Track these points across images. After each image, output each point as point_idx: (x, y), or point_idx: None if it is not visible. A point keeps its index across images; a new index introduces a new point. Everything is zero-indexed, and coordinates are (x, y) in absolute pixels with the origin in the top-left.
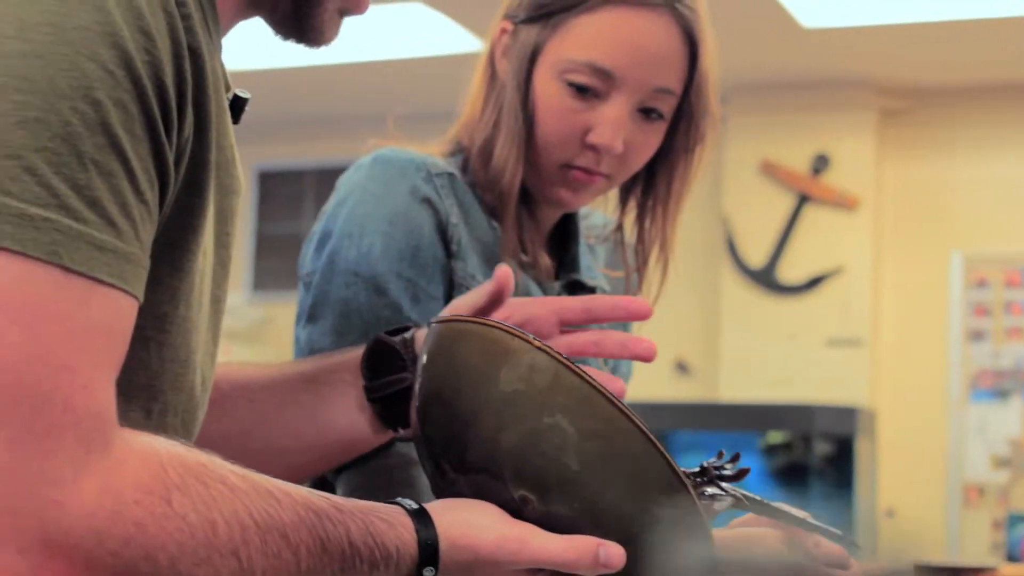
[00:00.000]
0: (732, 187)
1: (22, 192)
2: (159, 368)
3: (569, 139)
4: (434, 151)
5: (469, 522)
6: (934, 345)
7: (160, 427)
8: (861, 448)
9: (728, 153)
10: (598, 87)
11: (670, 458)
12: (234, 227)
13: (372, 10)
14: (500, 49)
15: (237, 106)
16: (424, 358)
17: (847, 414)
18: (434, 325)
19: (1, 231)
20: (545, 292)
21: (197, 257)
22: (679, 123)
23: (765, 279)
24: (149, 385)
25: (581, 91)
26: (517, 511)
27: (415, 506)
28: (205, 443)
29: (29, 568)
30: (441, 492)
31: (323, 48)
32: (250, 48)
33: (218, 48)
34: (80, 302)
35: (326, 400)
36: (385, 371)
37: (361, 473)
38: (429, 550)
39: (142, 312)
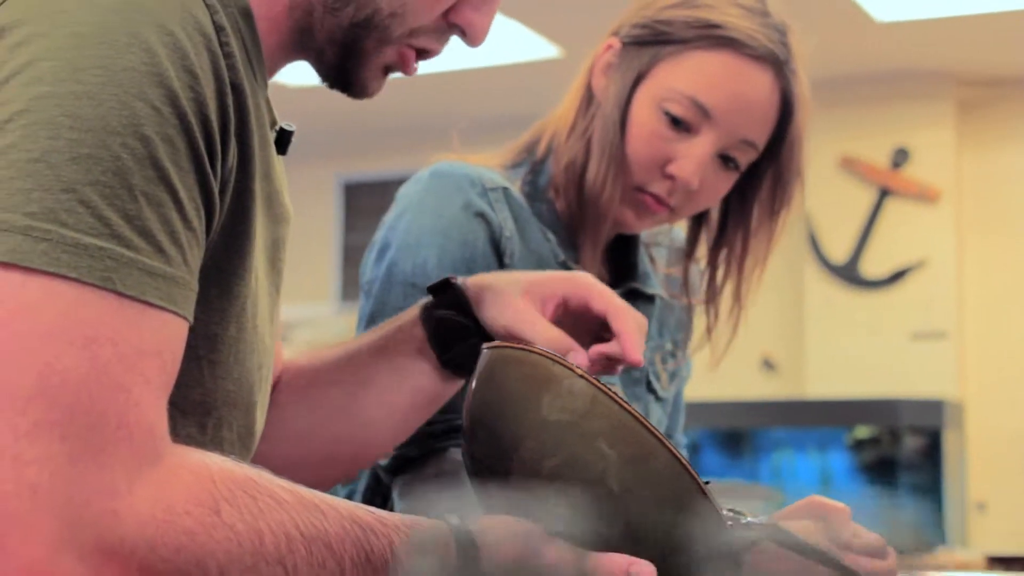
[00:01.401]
0: (812, 183)
1: (77, 223)
2: (212, 386)
3: (651, 164)
4: (495, 162)
5: (507, 536)
6: (1020, 335)
7: (216, 441)
8: (949, 441)
9: (807, 149)
10: (692, 122)
11: (698, 478)
12: (284, 254)
13: None
14: (601, 65)
15: (283, 139)
16: (473, 382)
17: (934, 407)
18: (484, 350)
19: (59, 259)
20: None
21: (245, 280)
22: (762, 185)
23: (848, 274)
24: (203, 401)
25: (675, 122)
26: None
27: (458, 522)
28: (302, 436)
29: (86, 573)
30: (486, 508)
31: None
32: None
33: (263, 85)
34: (132, 325)
35: (404, 368)
36: (450, 339)
37: (417, 477)
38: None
39: (193, 333)
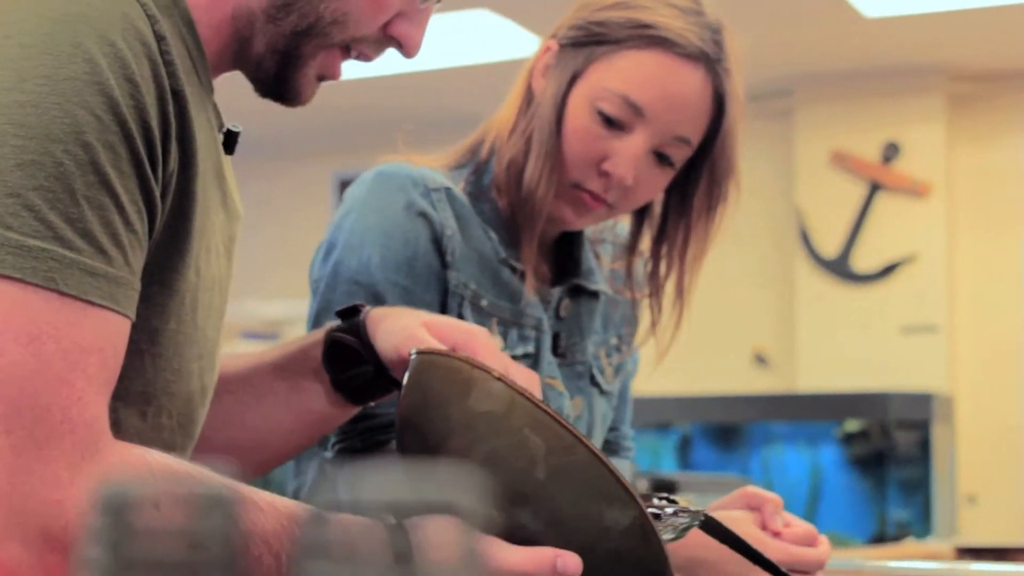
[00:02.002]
0: (804, 178)
1: (21, 226)
2: (153, 376)
3: (586, 162)
4: (440, 163)
5: (438, 531)
6: (1010, 329)
7: (156, 428)
8: (938, 434)
9: (798, 145)
10: (625, 120)
11: (620, 474)
12: (236, 249)
13: (438, 17)
14: (541, 67)
15: (230, 140)
16: (403, 387)
17: (922, 400)
18: (411, 356)
19: (3, 261)
20: (542, 298)
21: (186, 277)
22: (700, 180)
23: (839, 269)
24: (144, 392)
25: (608, 121)
26: None
27: (393, 521)
28: (202, 438)
29: (31, 559)
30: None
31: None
32: None
33: (209, 91)
34: (75, 323)
35: (298, 388)
36: (346, 363)
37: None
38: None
39: (135, 327)
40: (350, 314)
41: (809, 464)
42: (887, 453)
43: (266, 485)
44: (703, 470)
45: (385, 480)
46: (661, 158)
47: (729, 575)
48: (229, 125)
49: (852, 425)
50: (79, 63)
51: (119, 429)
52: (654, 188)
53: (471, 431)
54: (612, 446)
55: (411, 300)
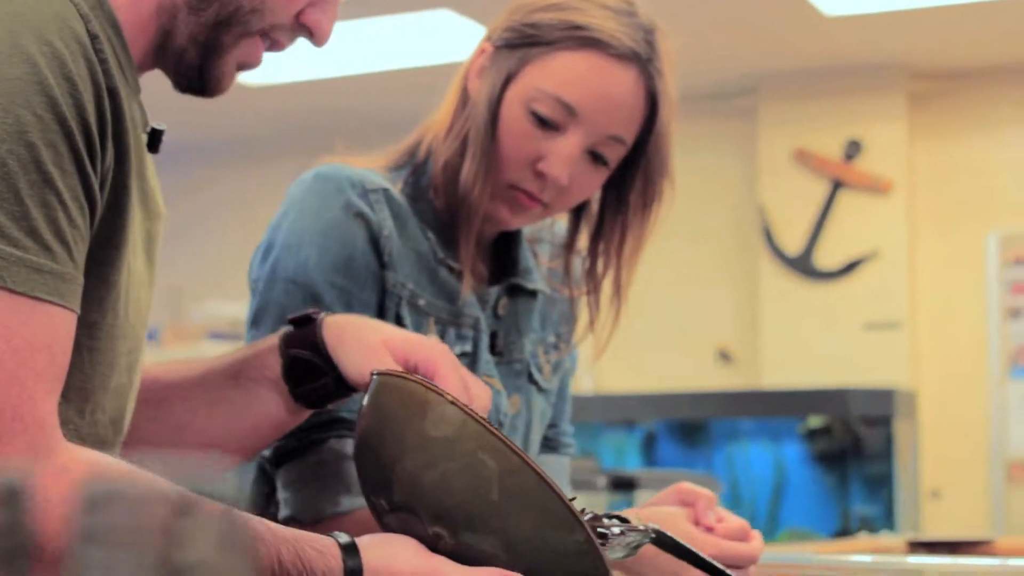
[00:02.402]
0: (766, 176)
1: None
2: (91, 371)
3: (521, 163)
4: (379, 163)
5: (390, 554)
6: (973, 325)
7: (92, 424)
8: (900, 430)
9: (761, 143)
10: (559, 121)
11: (565, 499)
12: (157, 248)
13: (401, 17)
14: (476, 69)
15: (154, 138)
16: (362, 406)
17: (885, 396)
18: (372, 376)
19: None
20: (480, 298)
21: (121, 271)
22: (635, 179)
23: (802, 266)
24: (83, 387)
25: (542, 121)
26: (433, 547)
27: (346, 539)
28: (143, 441)
29: None
30: (378, 524)
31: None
32: (294, 62)
33: (135, 89)
34: (23, 320)
35: (252, 395)
36: (304, 374)
37: (298, 467)
38: None
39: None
40: (303, 322)
41: (773, 460)
42: (850, 449)
43: None
44: (668, 467)
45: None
46: (596, 158)
47: (665, 571)
48: (153, 124)
49: (815, 421)
50: (19, 64)
51: (61, 426)
52: (589, 187)
53: (424, 452)
54: (552, 443)
55: (349, 300)
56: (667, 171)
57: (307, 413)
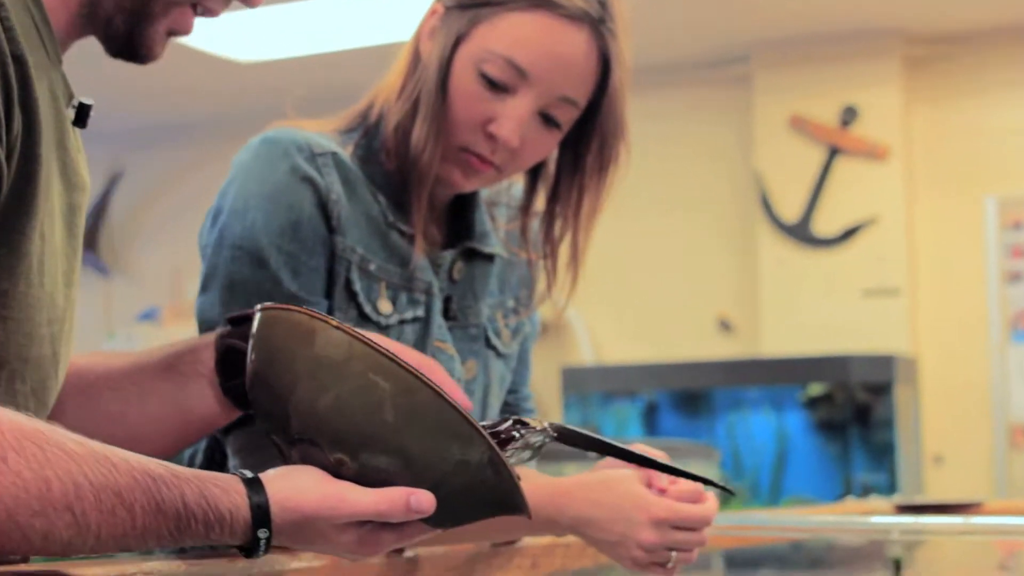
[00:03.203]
0: (763, 143)
1: None
2: (4, 339)
3: (472, 125)
4: (330, 127)
5: (294, 486)
6: (972, 289)
7: (9, 393)
8: (901, 397)
9: (756, 110)
10: (509, 83)
11: (464, 411)
12: (82, 219)
13: None
14: (427, 30)
15: (82, 113)
16: (250, 345)
17: (885, 363)
18: (256, 313)
19: None
20: (433, 262)
21: (32, 240)
22: (591, 141)
23: (800, 233)
24: None
25: (492, 83)
26: (336, 473)
27: (250, 475)
28: (74, 430)
29: None
30: (283, 463)
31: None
32: (288, 37)
33: (56, 61)
34: None
35: (184, 388)
36: (237, 369)
37: (246, 433)
38: (260, 512)
39: None
40: (242, 320)
41: (774, 428)
42: (851, 416)
43: None
44: (669, 436)
45: None
46: (547, 119)
47: (616, 532)
48: (81, 98)
49: (816, 389)
50: None
51: None
52: (541, 150)
53: (315, 379)
54: (512, 408)
55: (296, 265)
56: (623, 133)
57: (238, 413)
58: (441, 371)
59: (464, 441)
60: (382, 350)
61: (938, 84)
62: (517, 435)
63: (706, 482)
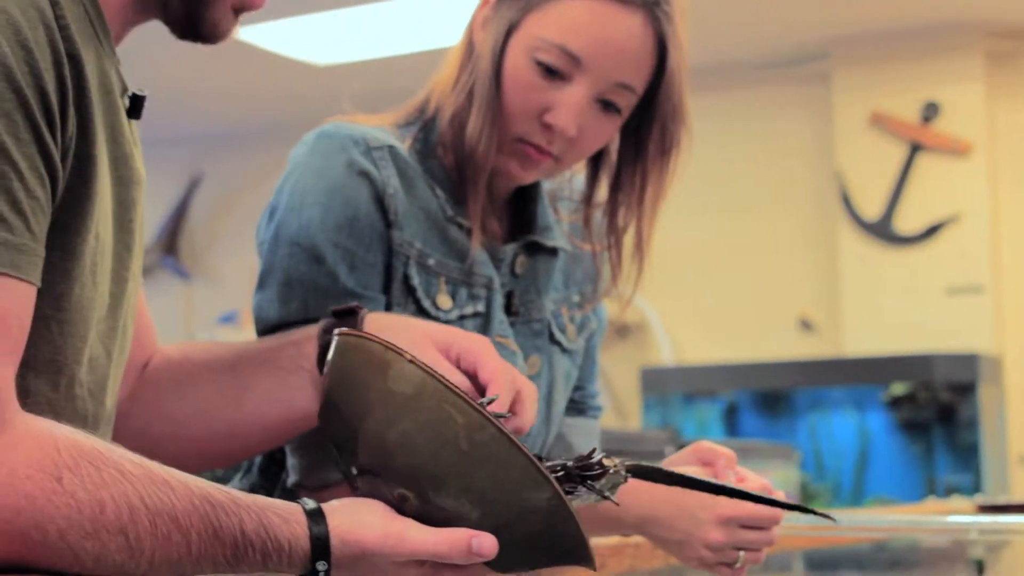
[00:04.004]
0: (843, 141)
1: None
2: (61, 343)
3: (528, 115)
4: (388, 121)
5: (357, 520)
6: None
7: (69, 397)
8: (985, 396)
9: (837, 108)
10: (564, 70)
11: (530, 455)
12: (137, 214)
13: None
14: (480, 20)
15: (136, 104)
16: (325, 369)
17: (969, 361)
18: (334, 336)
19: None
20: (494, 256)
21: (87, 241)
22: (652, 126)
23: (882, 231)
24: (53, 360)
25: (547, 71)
26: (400, 509)
27: (312, 505)
28: (171, 425)
29: None
30: (351, 490)
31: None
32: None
33: (110, 53)
34: None
35: (286, 383)
36: None
37: (306, 433)
38: (320, 544)
39: (40, 293)
40: (346, 314)
41: (856, 429)
42: (935, 416)
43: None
44: (750, 437)
45: None
46: (606, 106)
47: (681, 531)
48: (135, 89)
49: (899, 388)
50: None
51: (29, 397)
52: (600, 137)
53: (385, 412)
54: (578, 405)
55: (353, 261)
56: (683, 117)
57: None
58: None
59: (531, 485)
60: (454, 388)
61: (1020, 79)
62: (588, 479)
63: (801, 510)
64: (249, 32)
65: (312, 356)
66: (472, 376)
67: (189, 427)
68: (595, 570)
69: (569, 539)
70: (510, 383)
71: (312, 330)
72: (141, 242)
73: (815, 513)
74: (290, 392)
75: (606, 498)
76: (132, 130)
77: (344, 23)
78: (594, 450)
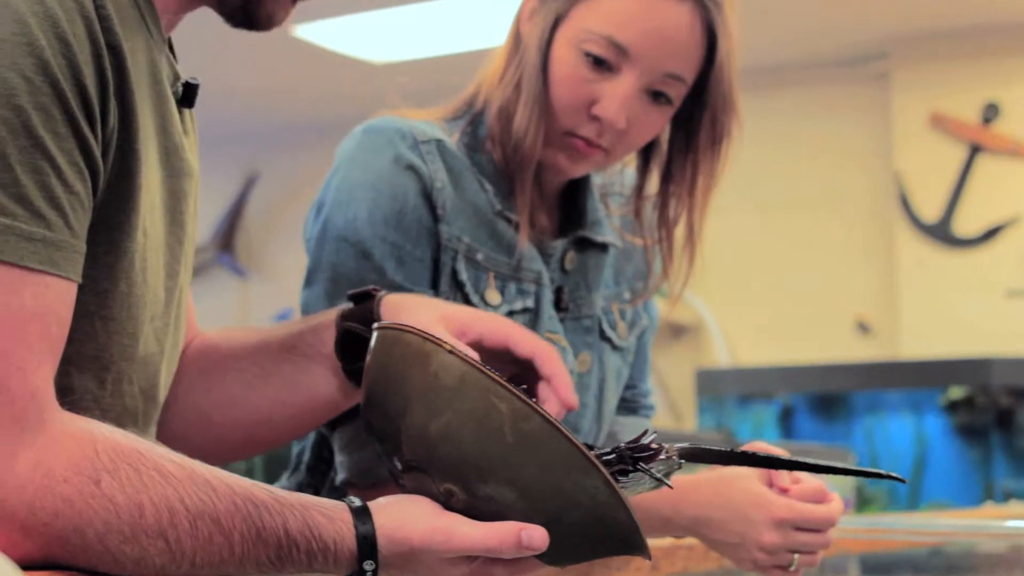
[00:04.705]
0: (902, 142)
1: None
2: (106, 341)
3: (576, 107)
4: (436, 115)
5: (403, 517)
6: None
7: (116, 394)
8: None
9: (895, 108)
10: (612, 61)
11: (578, 442)
12: (188, 206)
13: None
14: (527, 13)
15: (189, 93)
16: (366, 364)
17: None
18: (373, 331)
19: None
20: (543, 251)
21: (133, 236)
22: (702, 116)
23: (941, 233)
24: (98, 356)
25: (595, 62)
26: (447, 504)
27: (357, 503)
28: (197, 415)
29: None
30: (397, 487)
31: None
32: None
33: (160, 42)
34: (12, 291)
35: (307, 370)
36: (358, 351)
37: (353, 429)
38: (366, 543)
39: (83, 290)
40: (363, 298)
41: (913, 432)
42: (993, 420)
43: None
44: (806, 440)
45: None
46: (656, 96)
47: (735, 533)
48: (187, 78)
49: (957, 392)
50: (8, 24)
51: (73, 394)
52: (651, 128)
53: (427, 404)
54: (630, 403)
55: (401, 256)
56: (733, 107)
57: (360, 396)
58: (558, 359)
59: (579, 473)
60: (496, 377)
61: None
62: (640, 461)
63: (867, 475)
64: (307, 30)
65: (331, 342)
66: (504, 353)
67: (214, 416)
68: (649, 559)
69: (621, 527)
70: (545, 356)
71: (331, 314)
72: (194, 234)
73: (884, 476)
74: (311, 379)
75: (661, 481)
76: (185, 119)
77: (402, 21)
78: (645, 431)
